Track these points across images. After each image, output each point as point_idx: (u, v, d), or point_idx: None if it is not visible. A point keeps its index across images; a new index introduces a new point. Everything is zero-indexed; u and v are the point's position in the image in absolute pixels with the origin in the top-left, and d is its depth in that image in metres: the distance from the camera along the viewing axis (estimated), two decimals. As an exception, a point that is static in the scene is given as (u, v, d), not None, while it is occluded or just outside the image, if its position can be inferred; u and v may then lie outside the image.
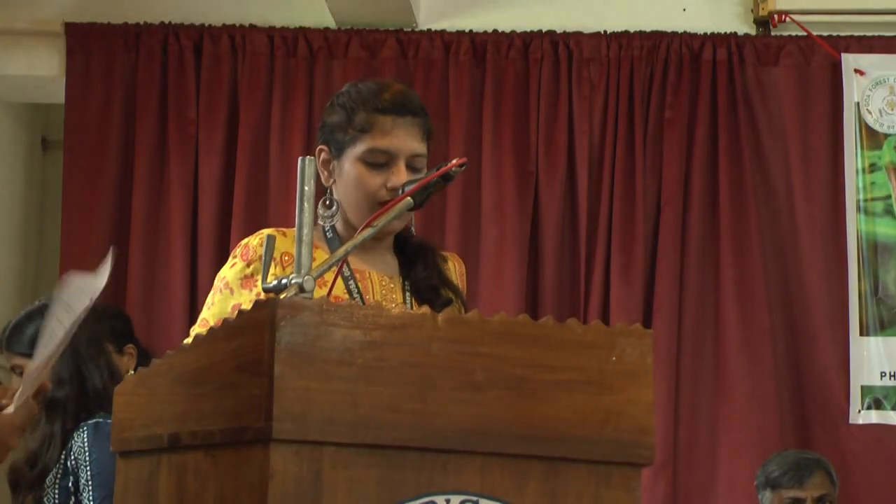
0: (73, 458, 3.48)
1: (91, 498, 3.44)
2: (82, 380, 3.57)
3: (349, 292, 2.54)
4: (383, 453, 1.78)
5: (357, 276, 2.59)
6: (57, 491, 3.49)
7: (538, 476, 1.86)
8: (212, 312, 2.56)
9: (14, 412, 2.56)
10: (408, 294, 2.62)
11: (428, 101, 2.69)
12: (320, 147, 2.66)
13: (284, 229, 2.60)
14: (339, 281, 2.52)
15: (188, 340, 2.26)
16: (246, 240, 2.62)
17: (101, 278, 2.28)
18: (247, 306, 2.01)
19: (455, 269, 2.73)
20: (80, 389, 3.56)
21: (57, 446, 3.52)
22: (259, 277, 2.50)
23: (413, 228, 2.67)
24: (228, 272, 2.59)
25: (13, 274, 6.11)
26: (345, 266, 2.55)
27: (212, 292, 2.61)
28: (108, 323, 3.80)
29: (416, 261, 2.66)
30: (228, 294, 2.57)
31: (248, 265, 2.57)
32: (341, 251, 2.24)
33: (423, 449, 1.80)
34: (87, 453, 3.47)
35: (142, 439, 2.05)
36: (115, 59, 5.55)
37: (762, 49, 5.46)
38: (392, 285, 2.62)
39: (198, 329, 2.49)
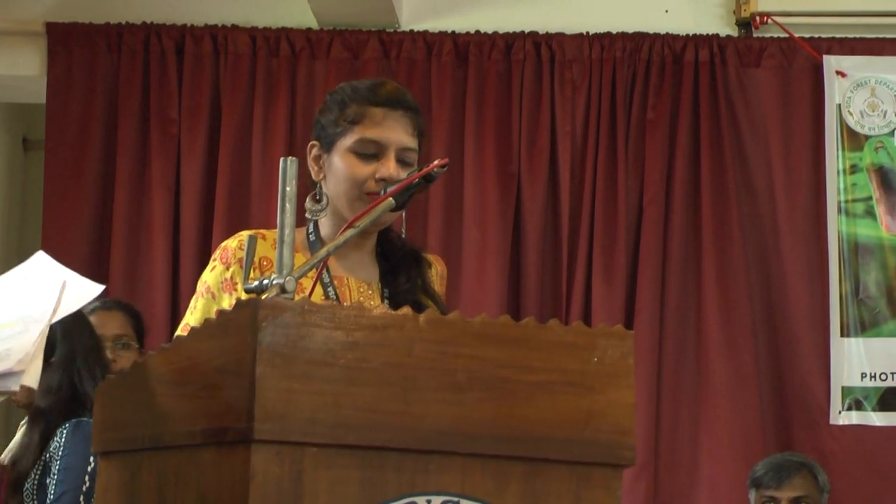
0: (49, 453, 3.49)
1: (53, 491, 3.45)
2: (72, 388, 3.58)
3: (327, 298, 2.52)
4: (365, 454, 1.77)
5: (336, 282, 2.58)
6: (37, 488, 3.50)
7: (519, 477, 1.86)
8: (195, 317, 2.55)
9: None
10: (386, 302, 2.60)
11: (410, 102, 2.68)
12: (312, 143, 2.66)
13: (264, 231, 2.58)
14: (318, 287, 2.51)
15: (170, 345, 2.26)
16: (225, 242, 2.61)
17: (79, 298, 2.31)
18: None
19: (437, 272, 2.73)
20: (68, 396, 3.57)
21: (32, 454, 3.53)
22: (238, 280, 2.50)
23: (404, 232, 2.66)
24: (209, 276, 2.58)
25: (-6, 274, 6.08)
26: (324, 272, 2.54)
27: (195, 297, 2.60)
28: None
29: (399, 270, 2.65)
30: (210, 298, 2.56)
31: (227, 268, 2.56)
32: (323, 251, 2.23)
33: (404, 450, 1.80)
34: (61, 448, 3.48)
35: (123, 440, 2.05)
36: (97, 59, 5.54)
37: (744, 50, 5.47)
38: (370, 292, 2.61)
39: (180, 334, 2.48)
